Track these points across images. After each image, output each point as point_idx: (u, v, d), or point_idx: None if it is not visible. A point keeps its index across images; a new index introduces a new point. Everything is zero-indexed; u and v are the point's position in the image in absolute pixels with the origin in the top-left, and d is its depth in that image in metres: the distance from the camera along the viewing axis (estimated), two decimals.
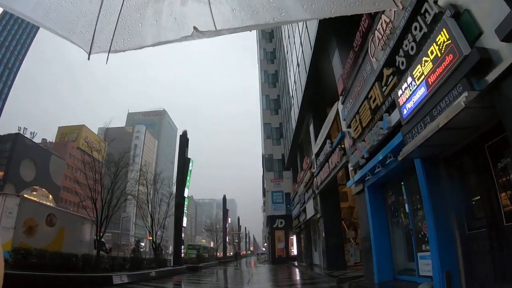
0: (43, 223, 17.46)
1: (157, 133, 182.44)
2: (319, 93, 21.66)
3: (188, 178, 40.20)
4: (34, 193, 78.22)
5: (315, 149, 21.93)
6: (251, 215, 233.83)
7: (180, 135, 40.05)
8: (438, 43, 6.43)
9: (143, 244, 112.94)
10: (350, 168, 14.00)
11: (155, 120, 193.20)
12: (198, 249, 55.09)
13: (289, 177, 45.65)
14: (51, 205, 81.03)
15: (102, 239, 26.77)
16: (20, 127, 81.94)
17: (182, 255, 38.30)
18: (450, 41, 6.06)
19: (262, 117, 56.74)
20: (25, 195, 22.38)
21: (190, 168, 41.27)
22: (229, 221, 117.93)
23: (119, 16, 2.33)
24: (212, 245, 73.77)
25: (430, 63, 6.79)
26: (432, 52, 6.69)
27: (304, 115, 25.98)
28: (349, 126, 13.81)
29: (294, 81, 28.78)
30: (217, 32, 2.49)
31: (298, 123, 28.34)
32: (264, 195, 59.31)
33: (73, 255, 16.74)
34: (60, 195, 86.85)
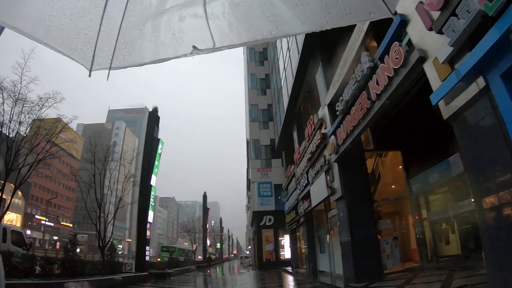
0: None
1: (138, 130, 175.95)
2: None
3: (156, 163, 32.90)
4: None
5: (328, 97, 14.89)
6: (234, 220, 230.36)
7: (150, 112, 34.86)
8: None
9: (120, 246, 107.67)
10: (442, 59, 6.56)
11: (136, 118, 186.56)
12: (173, 252, 48.53)
13: (279, 165, 39.36)
14: (20, 203, 76.88)
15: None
16: None
17: (148, 257, 31.22)
18: None
19: (247, 98, 50.63)
20: None
21: (159, 151, 34.22)
22: (212, 223, 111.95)
23: (119, 33, 2.39)
24: (194, 248, 66.61)
25: None
26: None
27: (308, 60, 18.99)
28: None
29: None
30: (215, 49, 2.46)
31: (297, 79, 21.53)
32: (248, 188, 52.06)
33: None
34: (31, 191, 79.42)
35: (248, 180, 50.54)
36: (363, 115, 10.49)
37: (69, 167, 61.13)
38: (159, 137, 33.97)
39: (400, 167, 14.77)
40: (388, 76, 8.80)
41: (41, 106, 18.06)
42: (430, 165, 12.36)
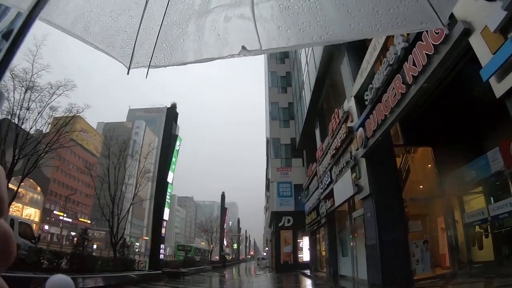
0: None
1: (157, 130, 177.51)
2: None
3: (174, 159, 32.29)
4: (22, 183, 71.35)
5: (355, 88, 14.06)
6: (252, 222, 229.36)
7: (168, 108, 34.05)
8: None
9: (138, 244, 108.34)
10: (494, 27, 5.84)
11: (156, 117, 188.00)
12: (189, 251, 48.01)
13: (300, 165, 38.67)
14: (39, 198, 77.88)
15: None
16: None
17: (162, 256, 30.60)
18: None
19: (267, 96, 49.70)
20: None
21: (177, 147, 33.51)
22: (230, 224, 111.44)
23: (159, 31, 2.34)
24: (211, 247, 66.03)
25: None
26: None
27: (332, 51, 18.25)
28: None
29: None
30: (263, 51, 2.37)
31: (320, 72, 20.67)
32: (267, 188, 51.10)
33: None
34: (50, 187, 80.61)
35: (267, 180, 49.72)
36: (397, 101, 9.51)
37: (88, 164, 61.54)
38: (176, 134, 33.48)
39: (431, 164, 13.83)
40: (427, 55, 7.91)
41: (51, 94, 17.55)
42: (464, 162, 11.48)
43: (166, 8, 2.28)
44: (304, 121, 28.46)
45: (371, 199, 12.50)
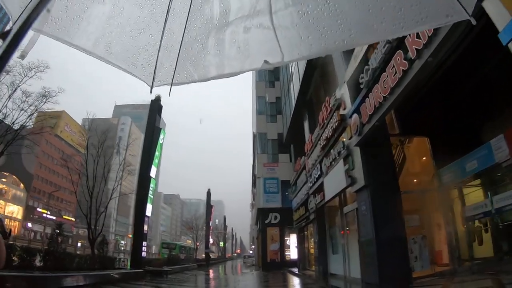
0: None
1: (143, 126, 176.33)
2: None
3: (157, 153, 31.22)
4: (4, 180, 72.44)
5: (348, 73, 13.07)
6: (239, 221, 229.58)
7: (152, 100, 32.30)
8: None
9: (123, 242, 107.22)
10: None
11: (143, 114, 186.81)
12: (173, 248, 47.30)
13: (287, 161, 38.13)
14: (22, 195, 76.28)
15: None
16: None
17: (144, 254, 29.54)
18: None
19: (254, 90, 49.22)
20: None
21: (160, 141, 32.49)
22: (216, 222, 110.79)
23: (180, 48, 2.39)
24: (197, 245, 65.27)
25: None
26: None
27: None
28: None
29: None
30: (285, 62, 2.40)
31: (310, 62, 19.90)
32: (254, 185, 50.42)
33: None
34: (33, 184, 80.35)
35: (254, 176, 49.10)
36: (397, 80, 8.58)
37: (65, 156, 60.04)
38: (160, 127, 32.57)
39: (427, 155, 13.22)
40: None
41: (23, 76, 16.47)
42: (463, 152, 10.72)
43: (186, 24, 2.27)
44: (292, 114, 27.73)
45: (366, 192, 11.59)
